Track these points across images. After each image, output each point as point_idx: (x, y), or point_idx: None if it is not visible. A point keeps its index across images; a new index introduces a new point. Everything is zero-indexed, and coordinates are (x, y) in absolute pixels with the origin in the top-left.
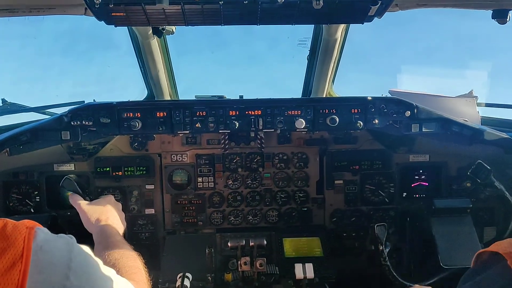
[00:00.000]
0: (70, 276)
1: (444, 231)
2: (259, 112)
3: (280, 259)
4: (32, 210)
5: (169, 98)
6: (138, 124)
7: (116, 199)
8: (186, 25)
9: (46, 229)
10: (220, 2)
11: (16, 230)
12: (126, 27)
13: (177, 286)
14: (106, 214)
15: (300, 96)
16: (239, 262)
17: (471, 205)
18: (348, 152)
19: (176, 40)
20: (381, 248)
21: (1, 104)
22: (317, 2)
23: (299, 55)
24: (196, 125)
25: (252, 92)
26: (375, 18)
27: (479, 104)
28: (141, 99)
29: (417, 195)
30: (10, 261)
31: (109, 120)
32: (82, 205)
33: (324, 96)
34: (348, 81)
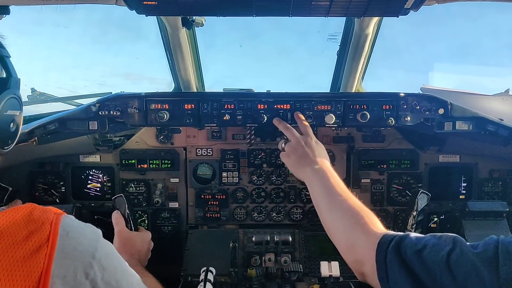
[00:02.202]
0: (94, 265)
1: (478, 235)
2: (288, 106)
3: (304, 257)
4: (57, 201)
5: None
6: (166, 116)
7: (140, 192)
8: (217, 16)
9: (73, 217)
10: None
11: (44, 215)
12: (156, 18)
13: (200, 280)
14: (137, 248)
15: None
16: (263, 258)
17: (507, 209)
18: (376, 151)
19: (205, 33)
20: (414, 213)
21: (30, 93)
22: None
23: (329, 50)
24: (224, 118)
25: (279, 86)
26: (411, 12)
27: None
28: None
29: (446, 197)
30: (36, 245)
31: (137, 111)
32: (122, 231)
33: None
34: (377, 77)
